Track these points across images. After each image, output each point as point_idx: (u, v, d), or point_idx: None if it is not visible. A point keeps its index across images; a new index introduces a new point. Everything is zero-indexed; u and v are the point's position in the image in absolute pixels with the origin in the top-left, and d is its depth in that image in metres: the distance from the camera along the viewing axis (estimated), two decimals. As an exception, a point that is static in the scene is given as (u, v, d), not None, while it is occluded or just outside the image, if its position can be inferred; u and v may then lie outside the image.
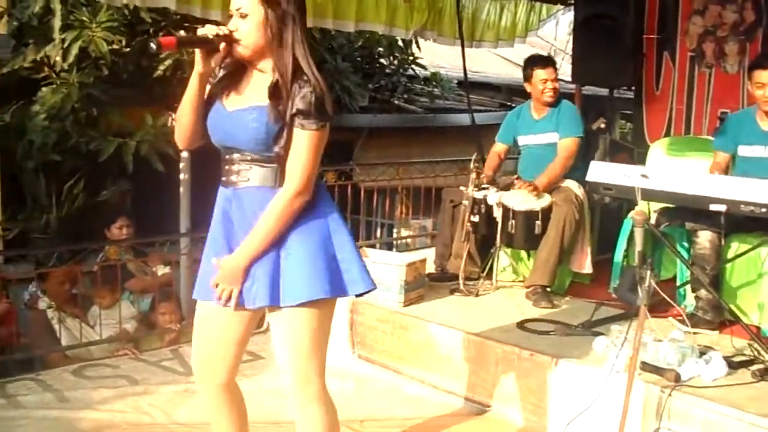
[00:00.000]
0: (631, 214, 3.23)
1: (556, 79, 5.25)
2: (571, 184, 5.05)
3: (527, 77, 5.31)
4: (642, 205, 3.54)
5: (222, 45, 2.43)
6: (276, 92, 2.44)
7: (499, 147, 5.55)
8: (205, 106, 2.56)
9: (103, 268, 5.42)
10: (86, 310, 5.43)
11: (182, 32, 2.69)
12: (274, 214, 2.47)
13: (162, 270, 6.17)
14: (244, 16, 2.46)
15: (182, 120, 2.59)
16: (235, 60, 2.53)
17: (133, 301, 5.86)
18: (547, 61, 5.34)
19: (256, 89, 2.51)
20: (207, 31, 2.44)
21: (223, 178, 2.58)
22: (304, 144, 2.45)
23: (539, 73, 5.22)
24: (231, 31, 2.45)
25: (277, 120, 2.43)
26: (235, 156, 2.53)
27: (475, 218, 4.93)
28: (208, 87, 2.55)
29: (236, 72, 2.57)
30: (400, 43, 10.11)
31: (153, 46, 2.44)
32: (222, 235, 2.60)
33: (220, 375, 2.71)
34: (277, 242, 2.51)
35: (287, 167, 2.47)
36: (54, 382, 4.30)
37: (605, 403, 3.42)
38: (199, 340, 2.74)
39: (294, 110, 2.42)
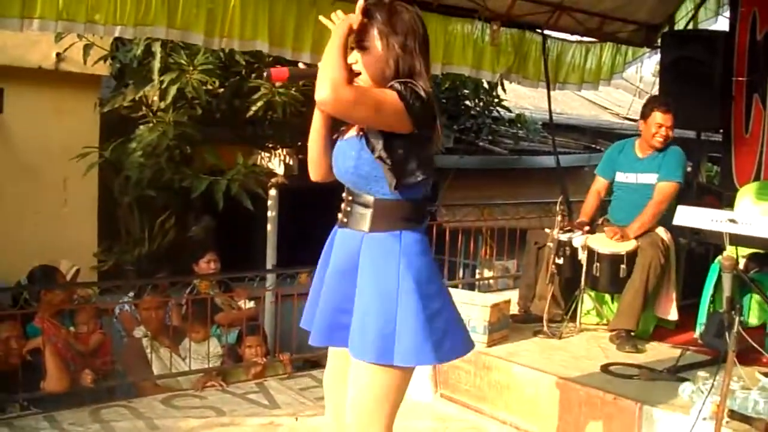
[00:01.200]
0: (719, 259, 3.20)
1: (672, 128, 5.12)
2: (658, 230, 5.00)
3: (645, 115, 5.19)
4: (730, 250, 3.51)
5: None
6: None
7: (599, 183, 5.44)
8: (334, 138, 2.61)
9: (194, 301, 5.60)
10: (178, 342, 5.60)
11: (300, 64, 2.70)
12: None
13: (247, 304, 6.33)
14: (364, 50, 2.48)
15: (311, 152, 2.65)
16: None
17: (220, 335, 6.01)
18: (668, 107, 5.18)
19: None
20: None
21: (338, 216, 2.64)
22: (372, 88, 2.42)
23: (657, 116, 5.10)
24: (350, 65, 2.45)
25: (374, 151, 2.43)
26: (344, 194, 2.60)
27: (560, 260, 4.95)
28: None
29: None
30: (486, 84, 10.18)
31: (265, 75, 2.51)
32: (321, 269, 2.67)
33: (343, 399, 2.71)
34: (353, 279, 2.52)
35: None
36: (145, 410, 4.48)
37: (691, 450, 3.37)
38: (330, 363, 2.80)
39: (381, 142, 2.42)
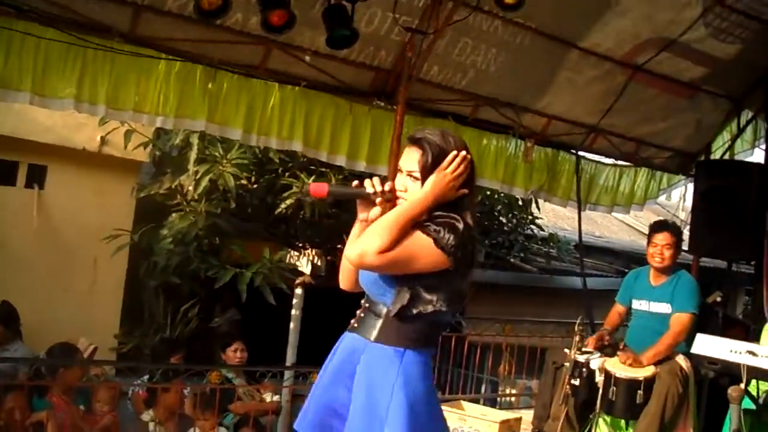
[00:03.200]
0: (730, 390, 3.13)
1: (671, 246, 5.07)
2: (678, 358, 4.90)
3: (648, 241, 5.23)
4: (752, 385, 3.43)
5: (378, 200, 2.47)
6: None
7: (618, 308, 5.43)
8: None
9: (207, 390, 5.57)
10: (184, 427, 5.54)
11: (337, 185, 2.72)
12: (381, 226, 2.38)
13: (270, 398, 6.29)
14: (416, 179, 2.49)
15: (345, 263, 2.64)
16: None
17: (230, 426, 5.95)
18: (662, 227, 5.20)
19: None
20: (366, 185, 2.49)
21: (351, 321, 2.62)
22: (408, 236, 2.38)
23: (653, 236, 5.15)
24: (393, 189, 2.49)
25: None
26: (363, 300, 2.59)
27: (576, 381, 4.86)
28: None
29: None
30: (520, 201, 10.22)
31: (304, 191, 2.53)
32: (323, 373, 2.64)
33: None
34: (348, 385, 2.50)
35: None
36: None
37: None
38: None
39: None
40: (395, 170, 2.62)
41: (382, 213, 2.50)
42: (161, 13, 4.94)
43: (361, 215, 2.55)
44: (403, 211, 2.42)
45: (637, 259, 12.72)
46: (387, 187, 2.51)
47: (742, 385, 3.38)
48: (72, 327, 6.70)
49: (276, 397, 6.27)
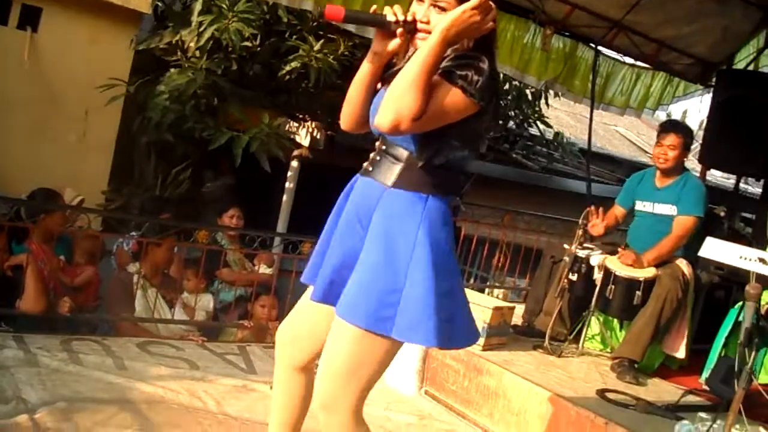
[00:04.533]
0: (747, 287, 2.98)
1: (676, 147, 4.84)
2: (680, 262, 4.76)
3: (656, 142, 5.03)
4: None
5: (399, 31, 2.26)
6: None
7: (617, 210, 5.24)
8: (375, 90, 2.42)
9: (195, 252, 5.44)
10: (169, 288, 5.43)
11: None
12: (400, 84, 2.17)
13: (264, 269, 6.17)
14: (441, 9, 2.25)
15: (350, 97, 2.45)
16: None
17: (217, 291, 5.85)
18: (669, 127, 4.98)
19: None
20: (387, 12, 2.26)
21: (363, 165, 2.44)
22: (433, 87, 2.17)
23: (659, 137, 4.95)
24: (415, 20, 2.26)
25: None
26: (377, 143, 2.40)
27: (574, 276, 4.73)
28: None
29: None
30: (530, 96, 9.96)
31: (318, 11, 2.30)
32: (334, 218, 2.47)
33: (298, 357, 2.57)
34: (363, 234, 2.33)
35: None
36: (117, 350, 4.28)
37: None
38: (292, 317, 2.61)
39: (440, 69, 2.20)
40: None
41: (401, 47, 2.30)
42: None
43: (377, 46, 2.33)
44: (423, 59, 2.15)
45: (639, 169, 12.58)
46: (410, 17, 2.26)
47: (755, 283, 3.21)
48: (56, 178, 6.48)
49: (269, 270, 6.15)
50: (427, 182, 2.31)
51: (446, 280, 2.28)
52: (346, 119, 2.51)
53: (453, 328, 2.31)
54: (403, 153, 2.31)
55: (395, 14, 2.25)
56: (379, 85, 2.44)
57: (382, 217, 2.30)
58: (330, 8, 2.23)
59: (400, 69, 2.28)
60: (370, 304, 2.23)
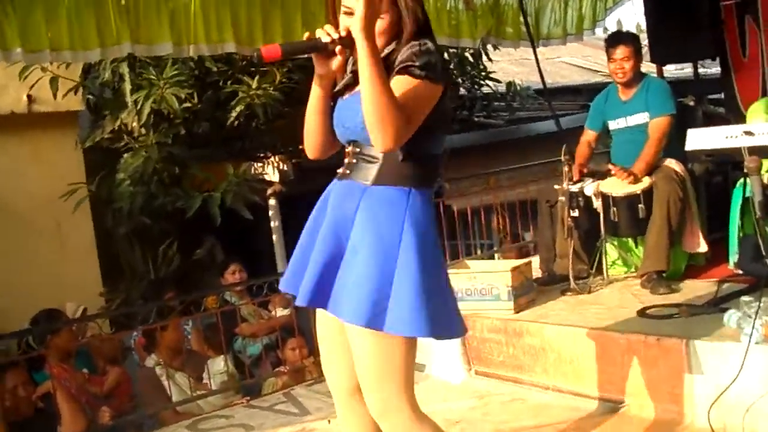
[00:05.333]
0: (746, 162, 2.98)
1: (630, 57, 4.88)
2: (669, 162, 4.77)
3: (607, 58, 5.05)
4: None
5: (338, 48, 2.26)
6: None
7: (588, 135, 5.25)
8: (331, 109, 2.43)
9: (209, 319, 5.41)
10: (200, 367, 5.40)
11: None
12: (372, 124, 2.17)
13: (281, 312, 6.15)
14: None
15: (308, 125, 2.46)
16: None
17: (242, 348, 5.82)
18: (616, 39, 4.99)
19: None
20: (320, 34, 2.26)
21: (338, 171, 2.44)
22: (400, 89, 2.18)
23: (609, 53, 4.97)
24: (349, 33, 2.23)
25: None
26: (349, 149, 2.40)
27: (575, 213, 4.72)
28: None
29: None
30: (470, 59, 9.95)
31: (255, 56, 2.28)
32: (313, 224, 2.46)
33: (344, 381, 2.57)
34: (347, 234, 2.32)
35: None
36: (170, 439, 4.26)
37: (747, 378, 3.15)
38: (321, 347, 2.63)
39: (397, 67, 2.22)
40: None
41: (345, 62, 2.32)
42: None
43: (320, 69, 2.32)
44: (369, 71, 2.13)
45: (597, 91, 12.61)
46: (343, 32, 2.25)
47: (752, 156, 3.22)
48: (51, 298, 6.41)
49: (286, 311, 6.13)
50: (407, 175, 2.31)
51: (435, 270, 2.31)
52: (312, 149, 2.51)
53: (445, 319, 2.33)
54: (377, 152, 2.29)
55: (329, 34, 2.25)
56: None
57: (366, 215, 2.30)
58: (266, 50, 2.21)
59: (347, 84, 2.35)
60: (364, 302, 2.23)
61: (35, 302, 6.09)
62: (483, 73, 10.45)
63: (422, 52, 2.22)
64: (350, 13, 2.25)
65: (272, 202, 7.79)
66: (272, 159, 7.78)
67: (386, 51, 2.31)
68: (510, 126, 10.70)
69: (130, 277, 7.63)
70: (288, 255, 7.76)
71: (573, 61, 16.87)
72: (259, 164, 7.86)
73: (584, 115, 10.83)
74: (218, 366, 5.32)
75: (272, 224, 7.84)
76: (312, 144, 2.50)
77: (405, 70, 2.21)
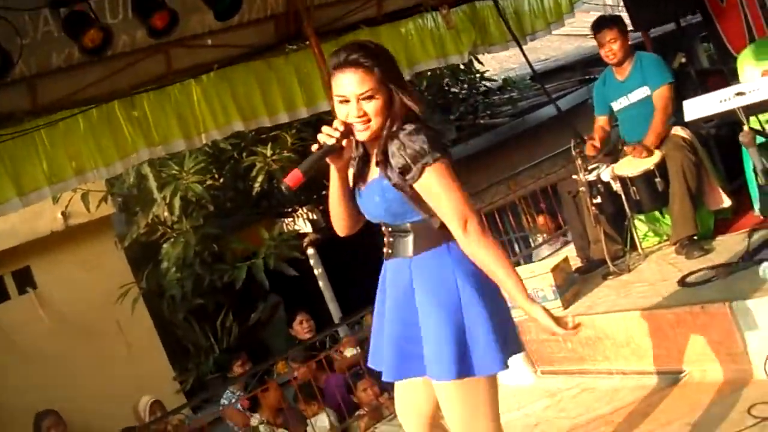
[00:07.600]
0: (740, 137, 3.14)
1: (617, 38, 5.06)
2: (674, 130, 4.93)
3: (597, 44, 5.22)
4: (752, 122, 3.44)
5: (345, 142, 2.43)
6: (383, 159, 2.45)
7: (600, 120, 5.42)
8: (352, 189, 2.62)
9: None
10: (297, 421, 5.63)
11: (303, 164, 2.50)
12: (485, 264, 2.41)
13: (350, 352, 6.37)
14: (369, 98, 2.42)
15: (334, 212, 2.65)
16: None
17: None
18: (600, 25, 5.16)
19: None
20: (324, 139, 2.42)
21: (383, 251, 2.65)
22: (430, 184, 2.39)
23: (597, 39, 5.16)
24: (347, 125, 2.43)
25: (395, 187, 2.44)
26: (384, 229, 2.62)
27: (597, 200, 4.87)
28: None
29: (365, 148, 2.59)
30: (462, 66, 10.13)
31: (284, 188, 2.42)
32: (379, 305, 2.69)
33: (422, 420, 2.78)
34: (411, 306, 2.53)
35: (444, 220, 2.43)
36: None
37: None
38: (396, 389, 2.83)
39: (398, 173, 2.41)
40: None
41: (351, 149, 2.50)
42: (53, 73, 4.83)
43: (335, 164, 2.51)
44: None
45: (592, 62, 12.72)
46: (341, 127, 2.44)
47: (746, 128, 3.39)
48: (126, 396, 6.72)
49: (356, 350, 6.34)
50: (440, 234, 2.51)
51: (496, 304, 2.51)
52: (342, 230, 2.72)
53: (511, 341, 2.56)
54: (408, 226, 2.53)
55: (332, 135, 2.43)
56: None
57: (421, 283, 2.52)
58: (289, 179, 2.39)
59: (357, 173, 2.58)
60: (449, 358, 2.43)
61: (111, 403, 6.41)
62: (478, 75, 10.64)
63: (426, 141, 2.39)
64: (345, 101, 2.44)
65: (311, 251, 8.03)
66: (300, 211, 8.03)
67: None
68: (516, 119, 10.85)
69: (195, 354, 7.90)
70: (339, 295, 8.02)
71: (560, 31, 16.92)
72: (289, 219, 8.11)
73: (583, 90, 11.06)
74: (323, 422, 5.55)
75: (316, 272, 8.07)
76: (341, 226, 2.70)
77: (418, 173, 2.39)
